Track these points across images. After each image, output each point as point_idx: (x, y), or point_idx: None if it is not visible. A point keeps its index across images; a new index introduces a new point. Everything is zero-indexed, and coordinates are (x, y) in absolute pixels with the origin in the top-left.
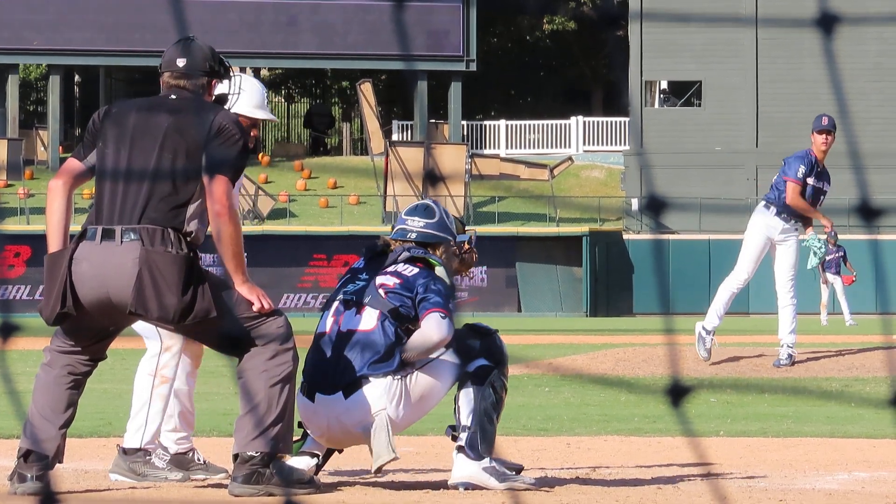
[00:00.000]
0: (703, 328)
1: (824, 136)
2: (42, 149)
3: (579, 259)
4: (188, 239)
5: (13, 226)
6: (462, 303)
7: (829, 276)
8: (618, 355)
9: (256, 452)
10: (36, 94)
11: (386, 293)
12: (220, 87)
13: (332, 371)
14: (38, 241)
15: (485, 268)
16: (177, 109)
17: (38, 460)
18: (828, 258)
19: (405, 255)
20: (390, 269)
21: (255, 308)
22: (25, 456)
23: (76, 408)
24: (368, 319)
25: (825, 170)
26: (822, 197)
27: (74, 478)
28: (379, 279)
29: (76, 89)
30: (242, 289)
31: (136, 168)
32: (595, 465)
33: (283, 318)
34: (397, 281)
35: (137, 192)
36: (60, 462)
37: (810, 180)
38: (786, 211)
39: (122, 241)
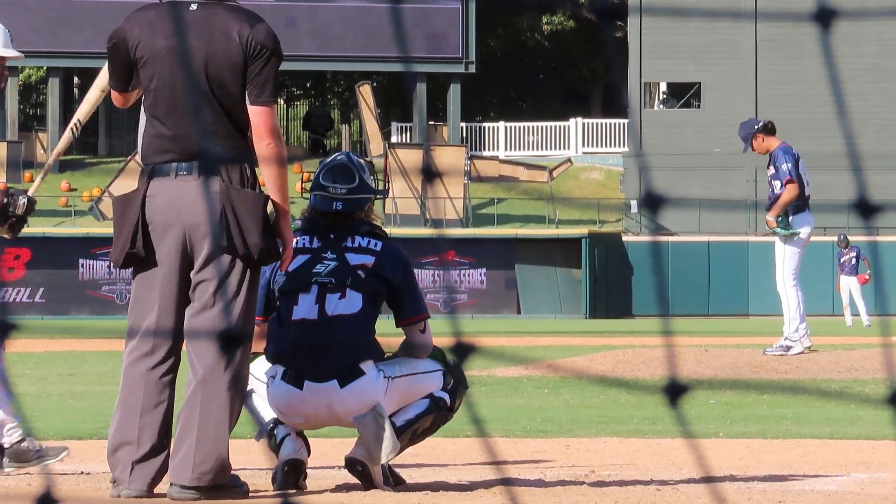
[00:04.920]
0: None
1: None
2: (41, 151)
3: (578, 261)
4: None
5: None
6: (461, 305)
7: (843, 279)
8: (617, 357)
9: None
10: (35, 97)
11: (365, 274)
12: None
13: (324, 358)
14: (38, 243)
15: (484, 270)
16: (204, 32)
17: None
18: (841, 259)
19: (364, 228)
20: (355, 243)
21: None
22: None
23: (172, 412)
24: (354, 302)
25: (771, 160)
26: (774, 182)
27: (75, 480)
28: (351, 258)
29: (76, 92)
30: (284, 222)
31: (188, 100)
32: (594, 467)
33: None
34: (370, 258)
35: (199, 126)
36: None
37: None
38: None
39: (199, 177)
